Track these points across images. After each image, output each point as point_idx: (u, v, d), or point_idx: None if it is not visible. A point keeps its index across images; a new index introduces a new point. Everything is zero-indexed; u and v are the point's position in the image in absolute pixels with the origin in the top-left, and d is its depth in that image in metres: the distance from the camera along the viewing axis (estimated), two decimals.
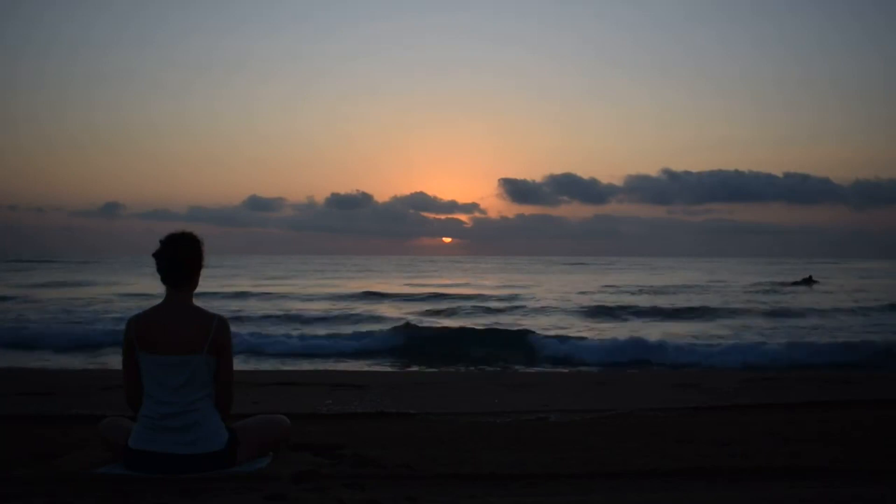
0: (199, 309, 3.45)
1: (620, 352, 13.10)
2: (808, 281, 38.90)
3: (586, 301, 25.49)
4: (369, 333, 15.14)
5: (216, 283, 30.80)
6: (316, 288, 33.87)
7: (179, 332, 3.36)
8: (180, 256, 3.44)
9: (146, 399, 3.39)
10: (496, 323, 18.44)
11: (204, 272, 3.54)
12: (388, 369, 11.66)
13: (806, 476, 3.56)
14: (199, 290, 3.52)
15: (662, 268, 66.86)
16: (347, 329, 16.23)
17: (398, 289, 33.37)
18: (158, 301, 3.51)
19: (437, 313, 21.54)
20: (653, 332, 16.33)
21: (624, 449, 4.23)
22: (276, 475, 3.36)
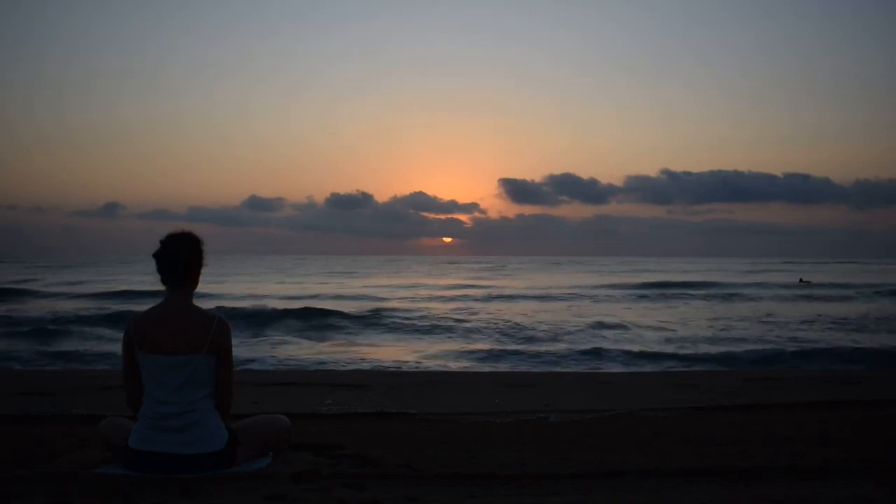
0: (199, 309, 3.45)
1: None
2: (802, 283, 39.10)
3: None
4: None
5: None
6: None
7: (179, 332, 3.35)
8: (180, 256, 3.44)
9: (146, 399, 3.39)
10: None
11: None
12: (389, 369, 11.65)
13: (806, 476, 3.56)
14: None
15: (682, 269, 65.70)
16: None
17: None
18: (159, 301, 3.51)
19: None
20: None
21: (624, 449, 4.23)
22: (276, 475, 3.36)
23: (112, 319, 17.73)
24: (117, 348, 12.58)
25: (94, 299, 25.75)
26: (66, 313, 19.36)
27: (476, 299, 27.95)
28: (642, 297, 29.62)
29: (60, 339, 14.81)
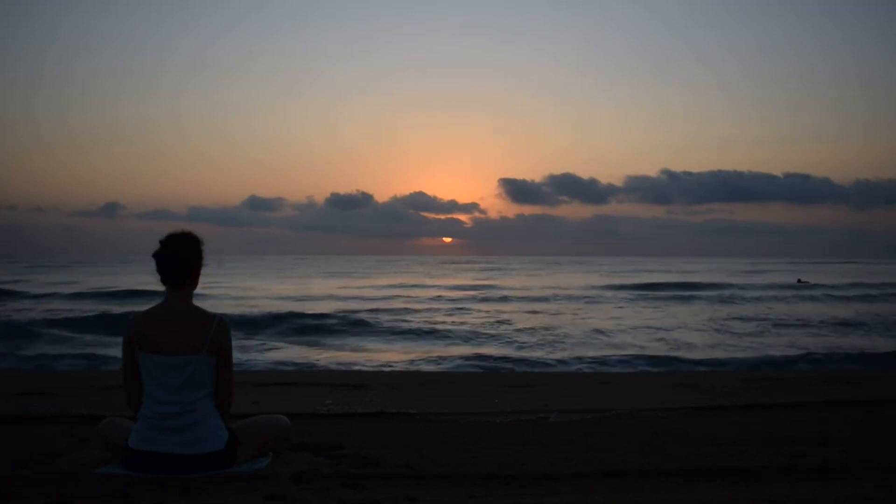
0: (199, 309, 3.45)
1: None
2: (800, 283, 39.13)
3: None
4: None
5: None
6: None
7: (180, 331, 3.35)
8: (180, 256, 3.44)
9: (146, 399, 3.39)
10: None
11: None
12: (389, 369, 11.63)
13: (806, 476, 3.56)
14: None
15: (682, 270, 65.12)
16: None
17: None
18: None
19: None
20: None
21: (624, 449, 4.23)
22: (276, 475, 3.36)
23: (92, 323, 17.36)
24: (85, 353, 12.51)
25: (77, 300, 25.20)
26: (45, 315, 19.05)
27: (474, 301, 27.85)
28: (642, 297, 29.61)
29: (32, 342, 14.50)
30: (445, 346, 14.58)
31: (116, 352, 11.47)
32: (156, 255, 3.45)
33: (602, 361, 12.11)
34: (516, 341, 15.17)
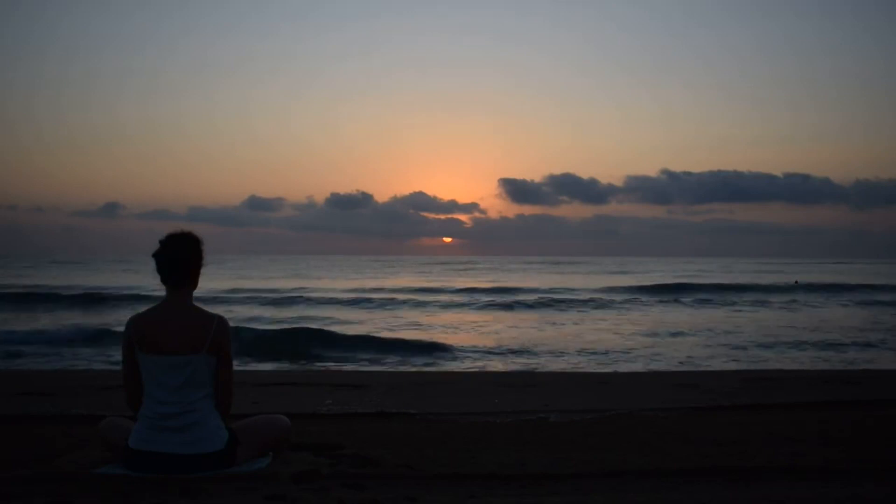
0: (199, 309, 3.45)
1: None
2: (797, 284, 39.11)
3: None
4: None
5: None
6: None
7: (179, 331, 3.36)
8: (180, 256, 3.44)
9: (146, 399, 3.39)
10: None
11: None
12: (389, 370, 11.61)
13: (806, 476, 3.56)
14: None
15: (681, 270, 65.03)
16: None
17: None
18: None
19: None
20: None
21: (624, 449, 4.23)
22: (276, 475, 3.36)
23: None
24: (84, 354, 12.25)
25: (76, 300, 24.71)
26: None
27: (472, 306, 27.58)
28: (640, 299, 29.59)
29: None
30: (445, 347, 14.56)
31: (116, 352, 11.46)
32: (156, 255, 3.45)
33: (601, 362, 12.11)
34: (516, 341, 15.17)
